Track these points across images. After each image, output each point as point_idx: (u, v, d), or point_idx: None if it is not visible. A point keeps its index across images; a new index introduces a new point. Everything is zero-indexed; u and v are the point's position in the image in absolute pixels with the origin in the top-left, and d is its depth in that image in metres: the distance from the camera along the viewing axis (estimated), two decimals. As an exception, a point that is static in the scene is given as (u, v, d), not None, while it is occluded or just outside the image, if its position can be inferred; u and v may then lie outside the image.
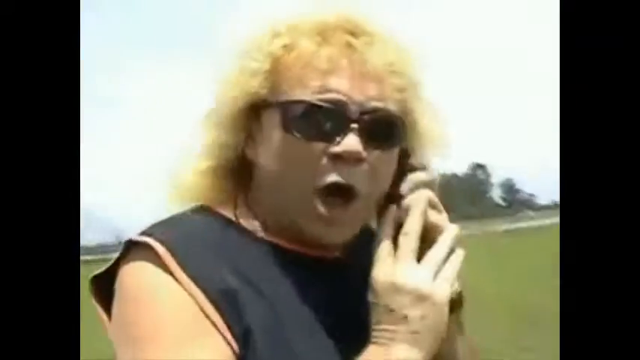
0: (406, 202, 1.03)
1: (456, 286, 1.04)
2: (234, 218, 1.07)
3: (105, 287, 1.03)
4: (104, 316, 1.03)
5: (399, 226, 1.02)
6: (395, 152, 1.04)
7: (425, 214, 1.02)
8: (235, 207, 1.07)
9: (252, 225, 1.07)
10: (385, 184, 1.04)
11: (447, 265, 1.00)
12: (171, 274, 0.96)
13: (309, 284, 1.05)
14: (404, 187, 1.04)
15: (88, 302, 1.03)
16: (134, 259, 0.99)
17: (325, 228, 1.02)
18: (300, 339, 1.00)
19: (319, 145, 0.98)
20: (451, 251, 1.01)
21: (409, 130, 1.06)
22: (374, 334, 0.98)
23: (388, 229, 1.02)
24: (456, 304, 1.03)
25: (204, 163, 1.08)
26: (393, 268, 0.98)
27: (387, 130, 1.01)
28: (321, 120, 0.98)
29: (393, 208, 1.04)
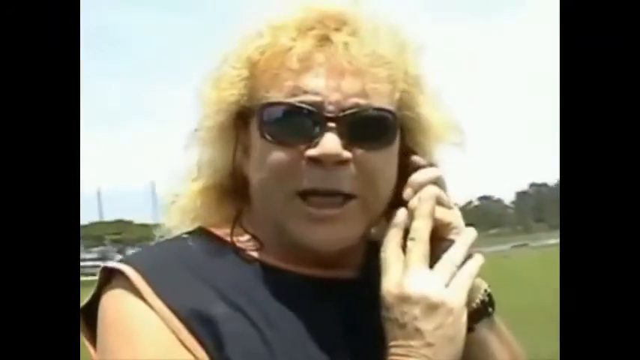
0: (412, 203, 0.96)
1: (482, 294, 1.00)
2: (229, 239, 1.01)
3: (90, 317, 0.99)
4: (91, 349, 1.00)
5: (407, 231, 0.95)
6: (391, 150, 0.97)
7: (432, 214, 0.95)
8: (233, 227, 1.02)
9: (248, 246, 1.01)
10: (386, 186, 0.97)
11: (463, 270, 0.93)
12: (147, 302, 0.92)
13: (311, 308, 0.98)
14: (407, 192, 0.98)
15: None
16: (113, 287, 0.96)
17: (317, 228, 0.94)
18: None
19: (297, 149, 0.92)
20: (468, 256, 0.95)
21: (411, 123, 0.99)
22: (389, 351, 0.92)
23: (395, 234, 0.96)
24: (481, 312, 0.99)
25: (197, 184, 1.03)
26: (401, 277, 0.91)
27: (373, 127, 0.93)
28: (296, 122, 0.92)
29: (400, 211, 0.97)
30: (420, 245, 0.92)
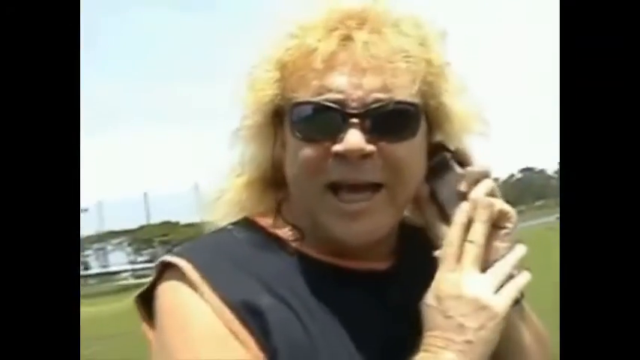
0: (472, 200, 1.00)
1: None
2: (272, 230, 1.06)
3: (148, 304, 1.04)
4: (149, 334, 1.04)
5: (467, 226, 0.99)
6: (415, 141, 0.99)
7: (491, 220, 0.99)
8: (275, 218, 1.07)
9: (289, 236, 1.05)
10: (412, 175, 1.01)
11: (512, 282, 0.98)
12: (200, 293, 0.96)
13: (348, 299, 1.02)
14: (462, 186, 1.02)
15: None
16: (167, 279, 1.00)
17: (348, 223, 0.98)
18: (333, 358, 0.98)
19: (324, 145, 0.96)
20: (516, 270, 0.99)
21: (436, 112, 1.02)
22: (426, 340, 0.95)
23: (457, 230, 0.99)
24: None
25: (242, 179, 1.08)
26: (457, 274, 0.96)
27: (395, 120, 0.96)
28: (322, 120, 0.96)
29: (463, 207, 1.00)
30: (476, 249, 0.97)
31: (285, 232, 1.06)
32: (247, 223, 1.07)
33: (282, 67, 0.99)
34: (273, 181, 1.07)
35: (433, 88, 1.00)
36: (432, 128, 1.04)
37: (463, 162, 1.05)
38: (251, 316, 0.95)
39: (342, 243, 1.01)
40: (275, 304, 0.97)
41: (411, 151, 0.99)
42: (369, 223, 0.99)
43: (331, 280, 1.02)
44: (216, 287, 0.96)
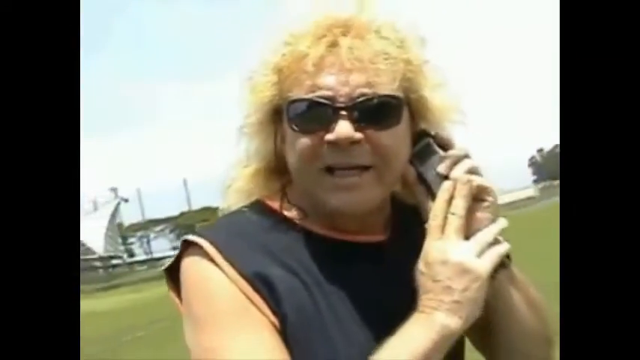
0: (453, 178, 1.12)
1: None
2: (279, 210, 1.19)
3: (175, 275, 1.16)
4: (176, 299, 1.17)
5: (450, 201, 1.11)
6: (399, 128, 1.11)
7: (470, 195, 1.10)
8: (282, 200, 1.19)
9: (294, 215, 1.18)
10: (397, 158, 1.13)
11: (493, 249, 1.08)
12: (220, 268, 1.09)
13: (349, 269, 1.15)
14: (442, 167, 1.13)
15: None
16: (190, 255, 1.12)
17: (342, 194, 1.10)
18: (336, 324, 1.10)
19: (318, 135, 1.09)
20: (497, 240, 1.10)
21: (417, 104, 1.15)
22: (420, 302, 1.07)
23: (441, 205, 1.11)
24: (499, 264, 1.10)
25: (249, 169, 1.21)
26: (442, 242, 1.08)
27: (379, 110, 1.08)
28: (315, 114, 1.08)
29: (445, 185, 1.11)
30: (458, 220, 1.09)
31: (290, 212, 1.19)
32: (258, 206, 1.20)
33: (279, 71, 1.12)
34: (276, 169, 1.19)
35: (413, 83, 1.13)
36: (414, 118, 1.16)
37: (445, 146, 1.16)
38: (263, 285, 1.08)
39: (339, 215, 1.14)
40: (284, 275, 1.10)
41: (395, 138, 1.11)
42: (359, 195, 1.11)
43: (333, 252, 1.16)
44: (232, 261, 1.09)
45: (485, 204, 1.11)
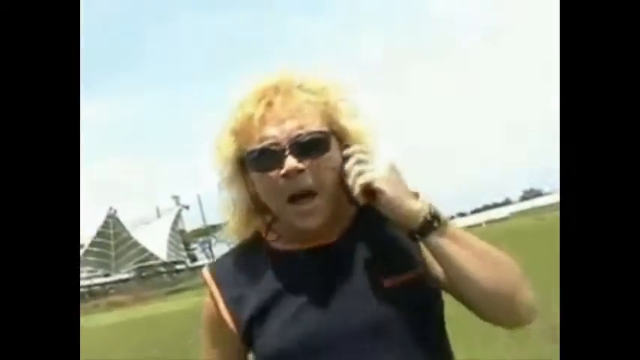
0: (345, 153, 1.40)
1: (425, 212, 1.32)
2: (264, 238, 1.50)
3: None
4: None
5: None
6: (331, 154, 1.39)
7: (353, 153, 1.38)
8: (266, 229, 1.50)
9: (272, 239, 1.49)
10: (334, 178, 1.39)
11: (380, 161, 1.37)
12: (212, 293, 1.47)
13: (304, 272, 1.42)
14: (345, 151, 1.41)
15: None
16: (205, 283, 1.50)
17: (304, 218, 1.39)
18: (303, 310, 1.36)
19: (274, 173, 1.37)
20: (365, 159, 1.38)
21: (339, 133, 1.43)
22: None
23: (351, 164, 1.37)
24: (428, 226, 1.31)
25: (235, 218, 1.51)
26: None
27: (313, 144, 1.37)
28: (267, 157, 1.37)
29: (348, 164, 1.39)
30: (359, 166, 1.36)
31: (271, 237, 1.49)
32: (253, 236, 1.54)
33: (235, 132, 1.42)
34: (258, 209, 1.48)
35: (332, 118, 1.43)
36: (341, 143, 1.43)
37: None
38: (236, 304, 1.43)
39: (304, 230, 1.41)
40: (254, 292, 1.42)
41: (329, 162, 1.40)
42: (315, 215, 1.39)
43: (290, 260, 1.44)
44: (222, 290, 1.46)
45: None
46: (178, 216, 79.02)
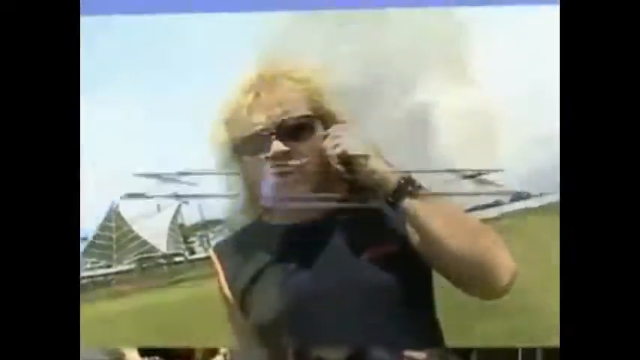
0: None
1: (398, 178, 1.35)
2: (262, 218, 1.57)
3: None
4: None
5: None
6: (315, 136, 1.44)
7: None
8: (263, 211, 1.54)
9: (268, 218, 1.54)
10: (319, 159, 1.42)
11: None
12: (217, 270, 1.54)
13: (299, 241, 1.46)
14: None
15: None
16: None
17: (286, 186, 1.42)
18: (291, 277, 1.41)
19: (262, 156, 1.42)
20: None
21: (324, 117, 1.47)
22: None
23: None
24: (401, 191, 1.34)
25: (238, 200, 1.55)
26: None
27: (297, 126, 1.43)
28: (257, 142, 1.42)
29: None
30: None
31: (267, 216, 1.54)
32: (255, 220, 1.58)
33: (228, 121, 1.47)
34: (255, 194, 1.48)
35: (317, 103, 1.47)
36: (328, 126, 1.47)
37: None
38: (235, 280, 1.48)
39: (291, 203, 1.45)
40: (249, 266, 1.47)
41: (314, 143, 1.44)
42: (297, 181, 1.43)
43: (281, 234, 1.49)
44: (223, 266, 1.53)
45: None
46: (178, 211, 79.16)
